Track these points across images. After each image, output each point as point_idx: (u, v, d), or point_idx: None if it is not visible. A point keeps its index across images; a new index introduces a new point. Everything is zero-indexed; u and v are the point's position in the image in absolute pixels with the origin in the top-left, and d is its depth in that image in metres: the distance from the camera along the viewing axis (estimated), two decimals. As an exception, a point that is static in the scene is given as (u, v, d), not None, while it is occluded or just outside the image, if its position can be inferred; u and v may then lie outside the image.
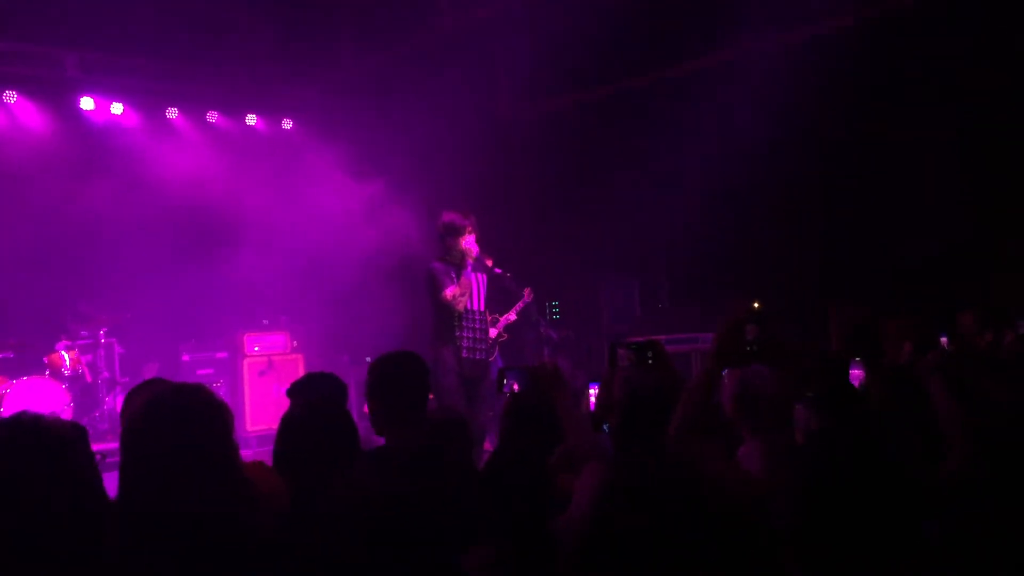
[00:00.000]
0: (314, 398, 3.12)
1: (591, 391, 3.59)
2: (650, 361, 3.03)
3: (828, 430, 2.66)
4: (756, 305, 7.67)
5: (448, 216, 6.23)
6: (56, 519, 1.75)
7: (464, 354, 6.16)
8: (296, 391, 3.35)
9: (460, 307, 6.14)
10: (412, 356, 3.48)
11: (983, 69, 7.05)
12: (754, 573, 1.41)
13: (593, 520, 1.53)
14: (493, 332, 7.31)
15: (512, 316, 7.85)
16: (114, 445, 7.48)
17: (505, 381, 2.98)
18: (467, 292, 6.16)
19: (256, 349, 9.51)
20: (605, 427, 3.05)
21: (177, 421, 2.07)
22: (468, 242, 6.17)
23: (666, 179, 8.88)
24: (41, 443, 1.81)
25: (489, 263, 7.36)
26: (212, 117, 10.43)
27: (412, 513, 1.80)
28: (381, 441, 3.42)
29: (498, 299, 7.59)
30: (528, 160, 10.22)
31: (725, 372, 2.86)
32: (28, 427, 1.83)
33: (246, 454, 7.20)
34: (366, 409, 4.05)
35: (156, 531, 1.94)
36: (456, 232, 6.16)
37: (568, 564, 2.06)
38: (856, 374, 3.37)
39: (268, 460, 3.06)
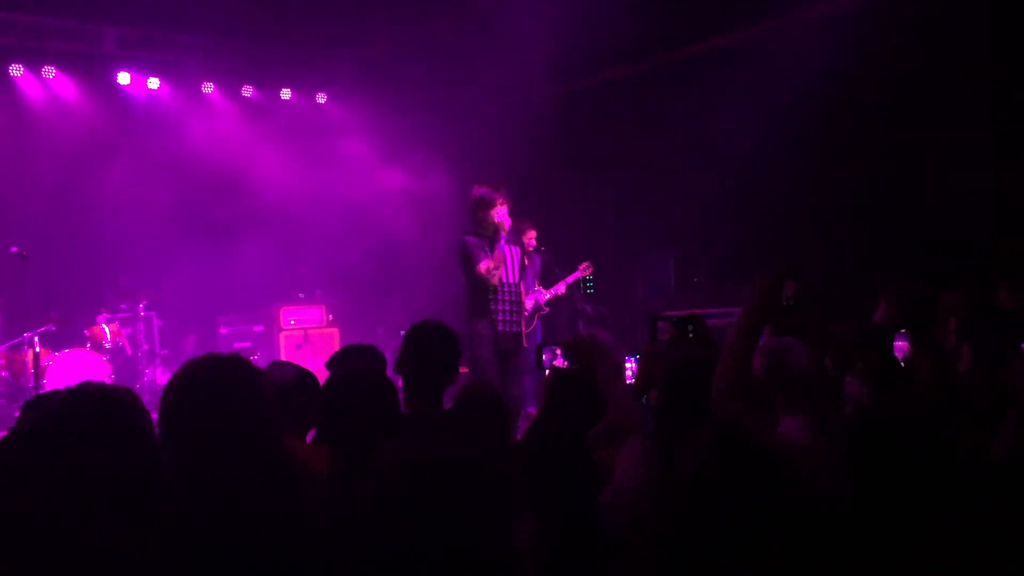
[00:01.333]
0: (355, 368, 3.12)
1: (628, 365, 3.57)
2: (691, 335, 3.00)
3: (882, 401, 2.61)
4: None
5: (479, 190, 6.25)
6: (124, 485, 1.75)
7: (499, 327, 6.17)
8: (335, 362, 3.36)
9: (494, 280, 6.15)
10: (440, 326, 3.50)
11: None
12: (799, 546, 1.39)
13: (637, 496, 1.51)
14: (530, 302, 7.29)
15: (562, 289, 7.83)
16: (154, 416, 7.59)
17: (544, 356, 2.96)
18: (501, 265, 6.16)
19: (292, 322, 9.59)
20: (644, 400, 3.03)
21: (211, 395, 2.06)
22: (501, 215, 6.17)
23: (701, 153, 8.77)
24: (112, 411, 1.82)
25: (533, 235, 7.33)
26: (247, 91, 10.45)
27: (442, 479, 1.77)
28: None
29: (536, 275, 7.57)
30: (563, 135, 10.14)
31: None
32: (96, 396, 1.84)
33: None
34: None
35: (196, 506, 1.94)
36: (488, 205, 6.17)
37: (612, 540, 2.05)
38: (899, 346, 3.31)
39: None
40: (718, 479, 1.39)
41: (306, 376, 3.19)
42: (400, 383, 3.36)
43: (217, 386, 2.07)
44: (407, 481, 1.64)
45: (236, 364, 2.17)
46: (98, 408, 1.81)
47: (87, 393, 1.84)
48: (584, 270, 8.12)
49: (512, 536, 1.87)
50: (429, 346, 3.44)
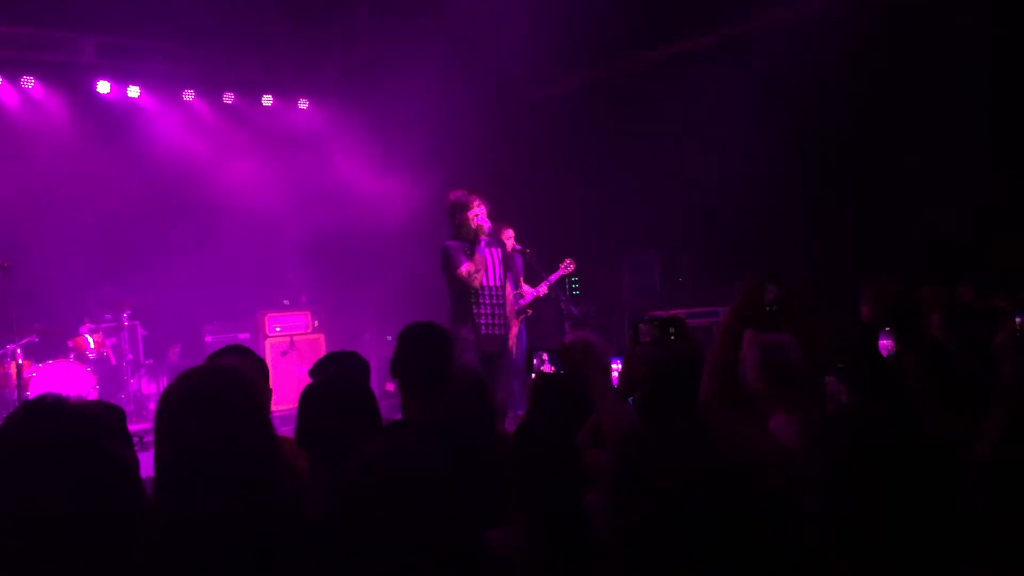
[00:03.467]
0: (335, 375, 3.11)
1: (614, 366, 3.58)
2: (672, 337, 3.01)
3: (859, 403, 2.62)
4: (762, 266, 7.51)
5: (454, 194, 6.31)
6: (82, 503, 1.73)
7: (483, 330, 6.18)
8: (318, 369, 3.35)
9: (476, 283, 6.16)
10: (432, 326, 3.51)
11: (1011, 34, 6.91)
12: (787, 549, 1.39)
13: (621, 497, 1.51)
14: (514, 304, 7.28)
15: (544, 290, 7.79)
16: (140, 426, 7.56)
17: (535, 361, 2.96)
18: (482, 268, 6.17)
19: (278, 329, 9.56)
20: (630, 401, 3.03)
21: (208, 408, 2.04)
22: (480, 218, 6.19)
23: (686, 153, 8.80)
24: (64, 426, 1.79)
25: (511, 235, 7.32)
26: (228, 99, 10.41)
27: (433, 485, 1.78)
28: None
29: (518, 276, 7.55)
30: (547, 137, 10.16)
31: (745, 341, 2.81)
32: (50, 409, 1.81)
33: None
34: (389, 387, 4.03)
35: (193, 517, 1.93)
36: (464, 208, 6.20)
37: (600, 542, 2.05)
38: (885, 344, 3.33)
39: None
40: (690, 478, 1.39)
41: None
42: (391, 387, 3.36)
43: (213, 399, 2.05)
44: (372, 489, 1.65)
45: (231, 376, 2.16)
46: (50, 422, 1.78)
47: (42, 406, 1.81)
48: (567, 267, 8.08)
49: (478, 540, 1.87)
50: (422, 348, 3.45)
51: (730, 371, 2.39)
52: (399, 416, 3.40)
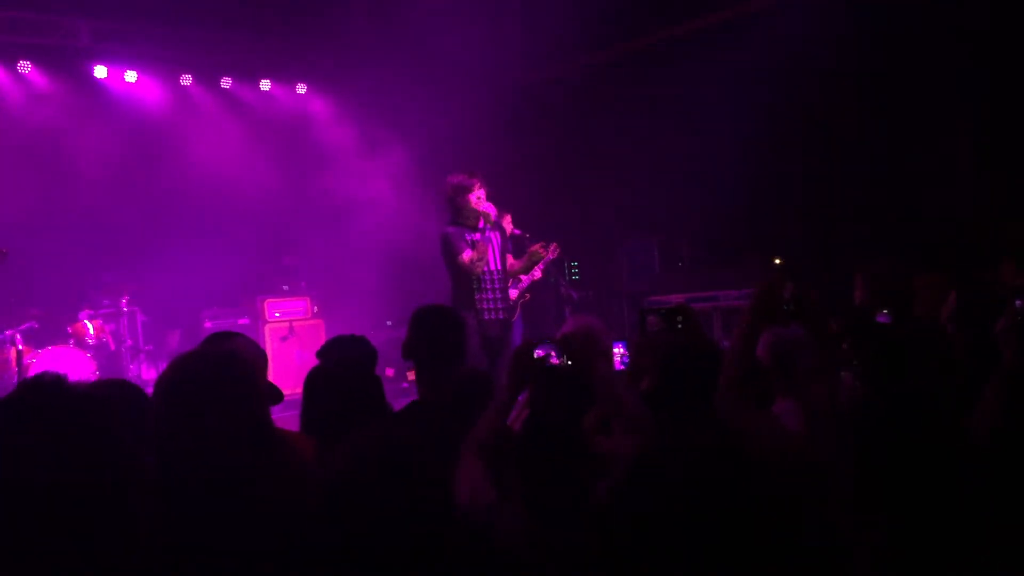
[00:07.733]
0: (341, 358, 3.12)
1: (617, 350, 3.59)
2: (679, 326, 3.02)
3: (877, 399, 2.62)
4: (779, 262, 7.57)
5: (455, 178, 6.21)
6: (84, 487, 1.69)
7: (486, 316, 6.16)
8: (325, 352, 3.35)
9: (478, 270, 6.12)
10: (446, 309, 3.53)
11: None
12: (804, 540, 1.40)
13: (639, 489, 1.52)
14: (515, 292, 7.28)
15: (537, 274, 7.78)
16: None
17: (538, 353, 2.95)
18: (484, 255, 6.13)
19: (277, 315, 9.56)
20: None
21: (205, 391, 2.03)
22: (482, 201, 6.14)
23: (685, 137, 8.78)
24: (64, 405, 1.74)
25: (508, 219, 7.30)
26: (226, 83, 10.35)
27: (445, 467, 1.78)
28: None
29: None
30: (545, 121, 10.13)
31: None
32: (49, 388, 1.76)
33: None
34: (389, 372, 4.00)
35: (190, 503, 1.93)
36: (465, 190, 6.14)
37: (610, 530, 2.05)
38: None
39: (290, 424, 3.06)
40: (711, 485, 1.40)
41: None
42: (390, 372, 3.37)
43: (211, 381, 2.05)
44: (358, 475, 1.66)
45: (228, 360, 2.16)
46: (45, 404, 1.75)
47: (39, 386, 1.78)
48: (553, 251, 8.08)
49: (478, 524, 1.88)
50: (436, 329, 3.47)
51: (745, 367, 2.40)
52: (397, 401, 3.42)
